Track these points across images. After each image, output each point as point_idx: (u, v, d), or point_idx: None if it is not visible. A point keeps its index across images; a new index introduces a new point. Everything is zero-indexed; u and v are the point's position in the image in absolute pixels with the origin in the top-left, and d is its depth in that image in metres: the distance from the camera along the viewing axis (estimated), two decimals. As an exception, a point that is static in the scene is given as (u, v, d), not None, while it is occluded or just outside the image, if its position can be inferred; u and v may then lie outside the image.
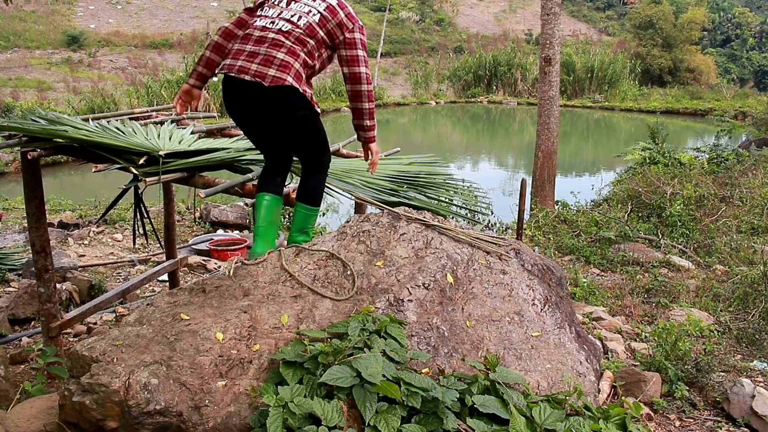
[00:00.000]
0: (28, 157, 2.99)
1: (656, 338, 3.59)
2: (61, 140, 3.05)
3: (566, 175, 13.47)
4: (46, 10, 31.91)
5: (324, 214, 7.77)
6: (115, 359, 2.10)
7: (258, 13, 2.64)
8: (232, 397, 2.01)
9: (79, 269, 5.33)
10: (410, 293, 2.42)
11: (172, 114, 4.14)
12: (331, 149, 3.05)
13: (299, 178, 2.88)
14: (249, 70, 2.47)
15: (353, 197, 3.05)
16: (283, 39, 2.51)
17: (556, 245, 6.62)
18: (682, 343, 3.39)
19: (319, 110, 2.64)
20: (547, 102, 8.88)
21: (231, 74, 2.49)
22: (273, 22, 2.56)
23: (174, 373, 2.04)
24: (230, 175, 3.13)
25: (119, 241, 6.63)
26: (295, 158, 2.94)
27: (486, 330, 2.48)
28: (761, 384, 3.26)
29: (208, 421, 1.96)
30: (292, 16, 2.56)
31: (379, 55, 30.41)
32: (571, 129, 21.51)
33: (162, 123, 3.82)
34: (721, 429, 2.95)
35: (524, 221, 6.28)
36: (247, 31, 2.60)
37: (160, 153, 2.84)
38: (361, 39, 2.59)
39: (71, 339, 4.11)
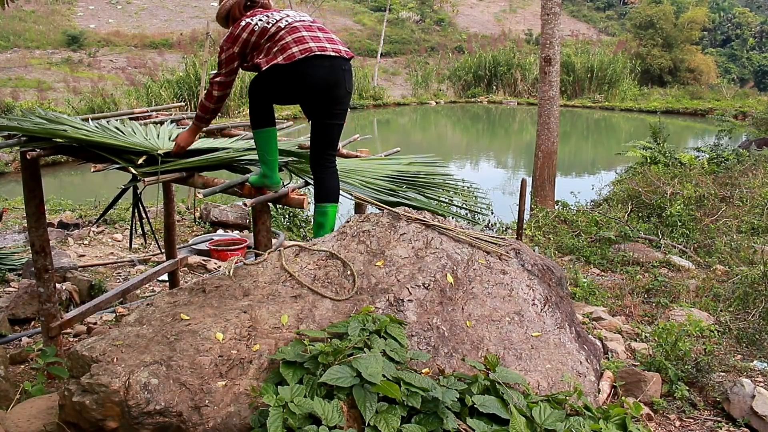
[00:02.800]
0: (28, 156, 2.99)
1: (656, 338, 3.59)
2: (60, 140, 3.05)
3: (566, 175, 13.47)
4: (46, 10, 31.89)
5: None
6: (115, 359, 2.10)
7: (271, 22, 2.75)
8: (232, 397, 2.01)
9: (79, 269, 5.32)
10: (410, 293, 2.42)
11: (172, 114, 4.14)
12: None
13: (317, 180, 2.93)
14: (326, 48, 2.70)
15: (353, 197, 3.05)
16: (321, 26, 2.82)
17: (556, 245, 6.61)
18: (682, 343, 3.39)
19: None
20: (547, 102, 8.88)
21: (316, 53, 2.66)
22: (295, 17, 2.80)
23: (174, 373, 2.04)
24: (230, 175, 3.14)
25: (119, 241, 6.63)
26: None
27: (486, 330, 2.48)
28: (761, 384, 3.26)
29: (208, 421, 1.96)
30: (299, 15, 2.86)
31: (379, 55, 30.38)
32: (571, 129, 21.50)
33: (162, 123, 3.82)
34: (721, 429, 2.95)
35: (524, 221, 6.28)
36: (286, 29, 2.72)
37: (159, 152, 2.84)
38: None
39: (71, 339, 4.12)
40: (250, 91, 2.84)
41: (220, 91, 2.85)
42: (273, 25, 2.74)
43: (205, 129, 3.24)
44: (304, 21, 2.80)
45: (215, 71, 2.85)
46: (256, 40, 2.74)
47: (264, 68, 2.68)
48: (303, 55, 2.65)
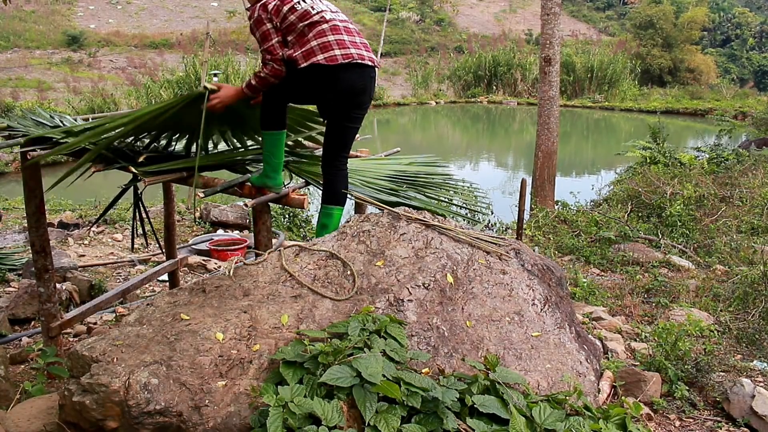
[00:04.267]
0: (28, 157, 2.99)
1: (656, 338, 3.59)
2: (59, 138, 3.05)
3: (566, 175, 13.46)
4: (46, 10, 31.90)
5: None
6: (115, 359, 2.10)
7: (315, 8, 2.71)
8: (232, 397, 2.01)
9: (79, 269, 5.32)
10: (410, 293, 2.42)
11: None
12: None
13: (327, 182, 2.93)
14: (364, 56, 2.73)
15: (353, 197, 3.05)
16: (356, 28, 2.83)
17: (556, 245, 6.61)
18: (682, 343, 3.39)
19: None
20: (547, 102, 8.88)
21: (356, 61, 2.69)
22: (335, 13, 2.78)
23: (174, 373, 2.04)
24: (230, 175, 3.14)
25: (119, 241, 6.63)
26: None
27: (486, 330, 2.48)
28: (761, 384, 3.26)
29: (208, 421, 1.96)
30: (333, 8, 2.83)
31: (379, 55, 30.33)
32: (571, 129, 21.50)
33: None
34: (721, 429, 2.95)
35: (524, 221, 6.27)
36: (329, 24, 2.70)
37: (141, 159, 2.84)
38: None
39: (71, 339, 4.11)
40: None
41: (272, 74, 2.68)
42: (317, 12, 2.69)
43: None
44: (346, 21, 2.78)
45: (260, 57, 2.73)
46: (294, 20, 2.66)
47: (302, 65, 2.64)
48: (346, 61, 2.65)
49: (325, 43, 2.65)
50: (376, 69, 2.84)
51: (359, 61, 2.69)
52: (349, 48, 2.68)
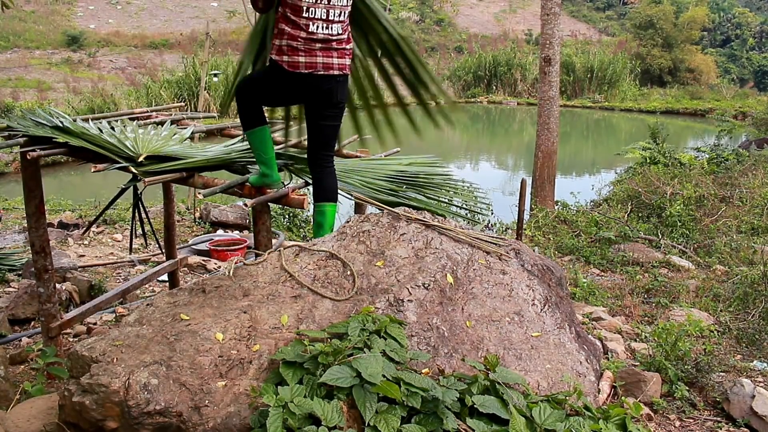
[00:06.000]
0: (28, 157, 2.99)
1: (656, 338, 3.59)
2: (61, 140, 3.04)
3: (566, 175, 13.46)
4: (46, 10, 31.90)
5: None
6: (114, 359, 2.10)
7: (308, 15, 2.65)
8: (232, 397, 2.01)
9: (79, 269, 5.32)
10: (410, 293, 2.42)
11: (172, 114, 4.14)
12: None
13: (315, 180, 2.94)
14: (332, 65, 2.72)
15: (353, 197, 3.05)
16: (345, 36, 2.78)
17: (556, 245, 6.61)
18: (682, 343, 3.39)
19: None
20: (547, 102, 8.87)
21: (318, 72, 2.69)
22: (328, 26, 2.70)
23: (174, 374, 2.04)
24: (230, 175, 3.14)
25: (119, 241, 6.63)
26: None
27: (486, 330, 2.48)
28: (761, 384, 3.26)
29: (208, 421, 1.96)
30: (339, 15, 2.72)
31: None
32: (571, 129, 21.49)
33: (162, 123, 3.81)
34: (721, 429, 2.95)
35: (524, 221, 6.27)
36: (308, 36, 2.66)
37: (140, 159, 2.83)
38: None
39: (71, 339, 4.11)
40: (238, 91, 2.84)
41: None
42: (307, 18, 2.63)
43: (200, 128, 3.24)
44: (330, 35, 2.70)
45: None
46: (290, 1, 2.63)
47: (273, 57, 2.68)
48: (307, 71, 2.67)
49: (292, 47, 2.65)
50: (348, 75, 2.84)
51: (322, 72, 2.70)
52: (316, 56, 2.68)
